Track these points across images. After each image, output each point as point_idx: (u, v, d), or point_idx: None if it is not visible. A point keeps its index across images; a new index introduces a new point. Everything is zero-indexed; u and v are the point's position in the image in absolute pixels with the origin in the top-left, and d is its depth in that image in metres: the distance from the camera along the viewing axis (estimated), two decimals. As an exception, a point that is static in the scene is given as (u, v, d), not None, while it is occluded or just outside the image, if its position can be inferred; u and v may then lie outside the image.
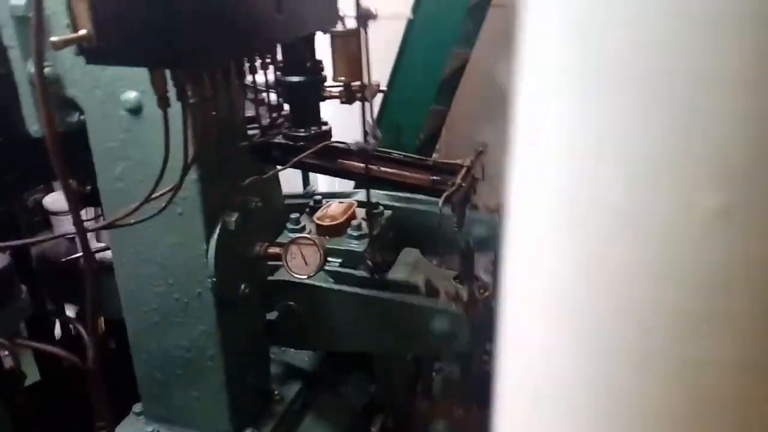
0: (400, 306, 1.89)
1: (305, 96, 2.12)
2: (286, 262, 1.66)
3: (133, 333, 1.81)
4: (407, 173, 2.15)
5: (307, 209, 2.44)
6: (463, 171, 1.99)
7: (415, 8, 3.04)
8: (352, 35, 2.01)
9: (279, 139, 2.22)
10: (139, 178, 1.59)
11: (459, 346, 1.86)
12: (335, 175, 2.26)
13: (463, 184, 1.92)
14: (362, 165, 2.17)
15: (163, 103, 1.17)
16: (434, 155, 4.30)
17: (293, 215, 2.25)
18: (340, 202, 2.38)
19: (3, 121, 1.55)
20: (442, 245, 2.42)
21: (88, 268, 1.40)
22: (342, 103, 2.11)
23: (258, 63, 1.61)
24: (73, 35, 0.95)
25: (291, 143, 2.18)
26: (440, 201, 1.81)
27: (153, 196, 1.33)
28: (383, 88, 2.19)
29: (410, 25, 3.10)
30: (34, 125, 1.57)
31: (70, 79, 1.53)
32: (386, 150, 2.22)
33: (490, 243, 2.41)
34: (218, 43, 1.14)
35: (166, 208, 1.56)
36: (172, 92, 1.23)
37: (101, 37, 1.03)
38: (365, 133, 1.90)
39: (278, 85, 2.18)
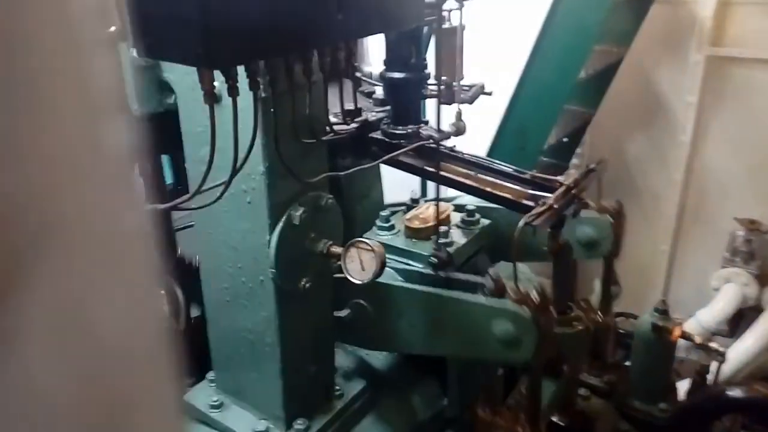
0: (459, 304, 1.75)
1: (405, 93, 2.06)
2: (344, 265, 1.63)
3: (209, 307, 1.92)
4: (500, 184, 2.00)
5: (404, 207, 2.39)
6: (560, 191, 1.79)
7: (556, 2, 2.80)
8: (454, 33, 1.91)
9: (377, 135, 2.20)
10: (220, 163, 1.65)
11: (524, 354, 1.67)
12: (427, 177, 2.17)
13: (556, 206, 1.73)
14: (456, 169, 2.07)
15: (210, 99, 1.19)
16: (573, 160, 3.99)
17: (384, 212, 2.22)
18: (436, 205, 2.30)
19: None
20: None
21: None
22: (441, 103, 2.01)
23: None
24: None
25: (387, 140, 2.15)
26: (521, 221, 1.65)
27: (204, 188, 1.36)
28: (488, 90, 2.03)
29: (547, 21, 2.86)
30: (133, 104, 1.70)
31: (166, 63, 1.62)
32: (487, 158, 2.09)
33: (597, 247, 2.15)
34: (260, 43, 1.13)
35: (238, 196, 1.63)
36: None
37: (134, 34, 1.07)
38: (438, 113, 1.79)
39: (381, 80, 2.15)
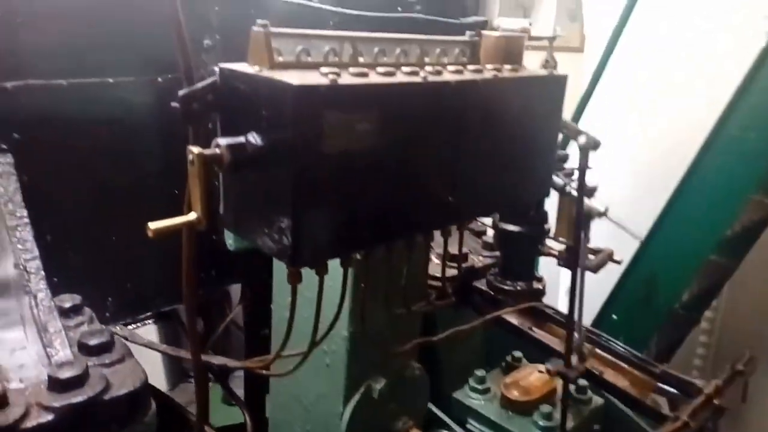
0: None
1: (519, 247, 1.85)
2: (423, 458, 1.39)
3: (272, 457, 1.75)
4: (622, 367, 1.70)
5: (503, 364, 2.12)
6: (698, 402, 1.46)
7: (703, 152, 2.50)
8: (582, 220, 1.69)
9: (482, 285, 1.99)
10: (305, 314, 1.51)
11: None
12: (532, 344, 1.90)
13: (692, 423, 1.40)
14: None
15: (293, 280, 1.05)
16: (707, 313, 3.50)
17: (479, 372, 1.96)
18: (540, 371, 2.00)
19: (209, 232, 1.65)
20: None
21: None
22: (559, 265, 1.77)
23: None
24: (180, 219, 0.89)
25: (492, 293, 1.93)
26: (647, 440, 1.34)
27: (284, 353, 1.21)
28: (617, 258, 1.77)
29: (691, 171, 2.56)
30: (229, 239, 1.63)
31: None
32: (604, 335, 1.79)
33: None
34: (357, 238, 0.98)
35: (317, 356, 1.47)
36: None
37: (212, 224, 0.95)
38: (569, 345, 1.49)
39: (494, 228, 1.96)
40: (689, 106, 2.58)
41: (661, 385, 1.65)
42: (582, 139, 1.23)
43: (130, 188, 1.63)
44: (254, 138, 0.88)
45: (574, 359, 1.52)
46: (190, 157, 0.84)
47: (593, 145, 1.27)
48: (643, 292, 2.80)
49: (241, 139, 0.88)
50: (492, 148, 1.13)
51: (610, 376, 1.70)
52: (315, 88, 0.83)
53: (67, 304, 1.50)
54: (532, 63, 1.54)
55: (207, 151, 0.85)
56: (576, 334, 1.55)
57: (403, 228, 1.06)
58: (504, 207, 1.45)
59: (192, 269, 0.96)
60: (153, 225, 0.84)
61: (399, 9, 1.80)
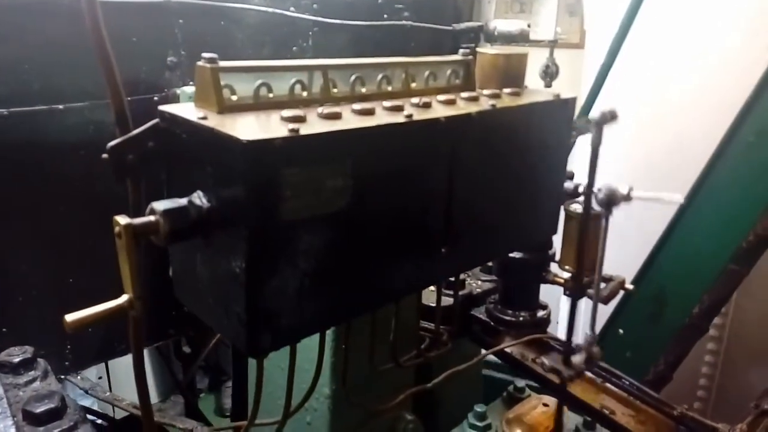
0: None
1: (521, 276, 1.69)
2: None
3: None
4: (637, 407, 1.55)
5: (504, 394, 1.97)
6: (724, 452, 1.31)
7: (715, 159, 2.34)
8: (596, 220, 1.53)
9: (481, 314, 1.83)
10: (282, 365, 1.36)
11: None
12: (536, 381, 1.74)
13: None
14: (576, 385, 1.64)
15: (258, 358, 0.89)
16: (715, 320, 3.36)
17: (478, 407, 1.81)
18: (545, 404, 1.86)
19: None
20: None
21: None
22: (566, 295, 1.61)
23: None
24: (106, 306, 0.73)
25: (492, 323, 1.77)
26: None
27: (263, 402, 1.05)
28: (629, 285, 1.61)
29: (703, 179, 2.40)
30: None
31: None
32: (613, 371, 1.64)
33: None
34: (327, 312, 0.82)
35: (298, 414, 1.32)
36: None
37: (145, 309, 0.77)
38: (568, 347, 1.32)
39: (493, 253, 1.79)
40: (701, 110, 2.42)
41: (680, 426, 1.50)
42: (596, 114, 1.05)
43: (87, 227, 1.46)
44: (200, 200, 0.72)
45: (579, 358, 1.32)
46: (117, 228, 0.67)
47: (610, 117, 1.07)
48: (651, 310, 2.65)
49: (183, 201, 0.72)
50: (491, 189, 0.97)
51: (622, 417, 1.56)
52: (269, 142, 0.67)
53: (17, 359, 1.34)
54: (532, 62, 1.37)
55: (138, 221, 0.68)
56: (588, 331, 1.37)
57: (388, 293, 0.90)
58: (507, 251, 1.28)
59: (141, 357, 0.80)
60: (70, 317, 0.68)
61: (385, 16, 1.63)
